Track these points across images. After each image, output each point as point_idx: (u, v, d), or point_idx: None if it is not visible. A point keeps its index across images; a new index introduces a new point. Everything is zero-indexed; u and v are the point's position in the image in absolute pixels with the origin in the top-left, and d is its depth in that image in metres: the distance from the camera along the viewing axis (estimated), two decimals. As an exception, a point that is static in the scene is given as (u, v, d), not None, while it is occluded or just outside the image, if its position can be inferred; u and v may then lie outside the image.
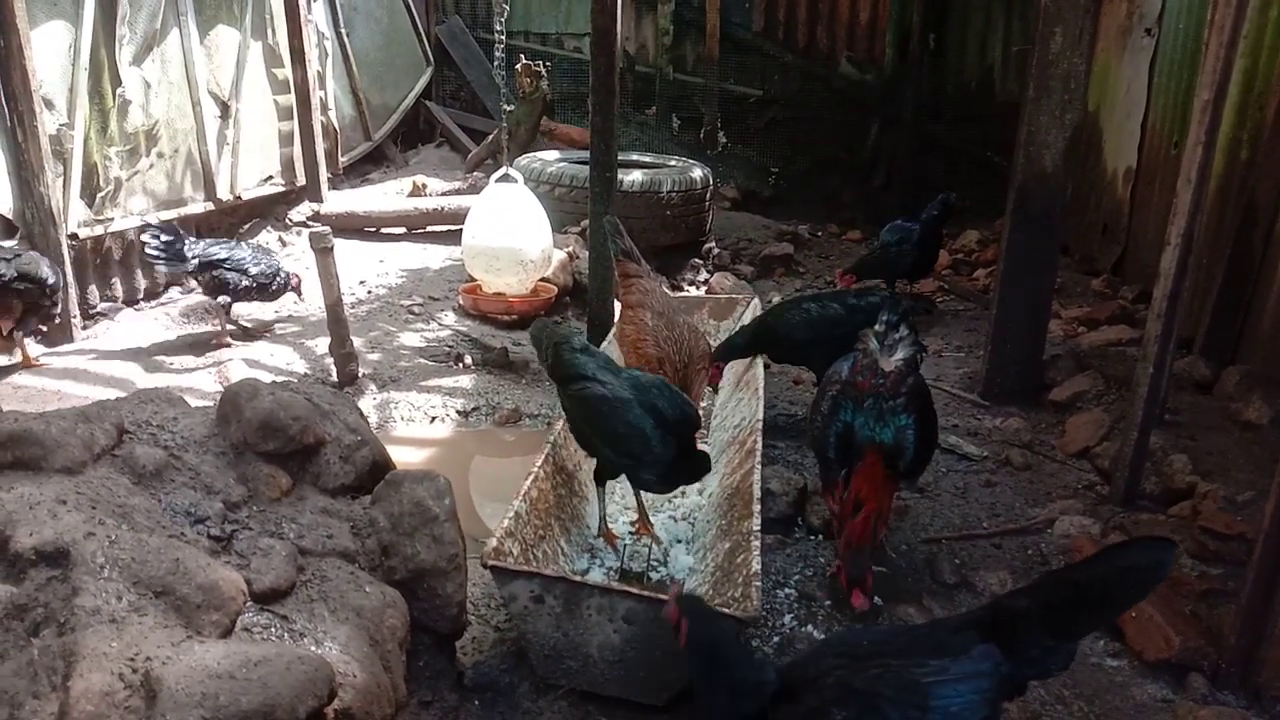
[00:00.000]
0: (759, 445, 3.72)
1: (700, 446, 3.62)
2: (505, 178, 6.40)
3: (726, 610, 2.61)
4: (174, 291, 6.58)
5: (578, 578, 2.85)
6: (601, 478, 3.57)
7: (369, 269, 7.30)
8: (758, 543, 2.98)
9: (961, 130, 10.84)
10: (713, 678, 2.28)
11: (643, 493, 3.69)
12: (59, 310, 5.31)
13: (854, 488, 3.23)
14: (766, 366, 4.96)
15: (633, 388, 3.39)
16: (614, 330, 5.00)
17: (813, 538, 3.91)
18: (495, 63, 6.46)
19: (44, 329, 5.36)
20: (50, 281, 5.10)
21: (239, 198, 7.57)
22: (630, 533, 3.77)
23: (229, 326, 5.84)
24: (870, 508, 3.17)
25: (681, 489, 3.81)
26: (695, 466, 3.43)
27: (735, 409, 4.67)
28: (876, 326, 3.51)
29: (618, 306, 5.03)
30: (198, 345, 5.69)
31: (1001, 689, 2.15)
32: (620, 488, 3.95)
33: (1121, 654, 3.21)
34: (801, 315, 4.69)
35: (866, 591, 3.14)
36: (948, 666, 2.10)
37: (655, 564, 3.58)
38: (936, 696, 2.07)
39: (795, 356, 4.85)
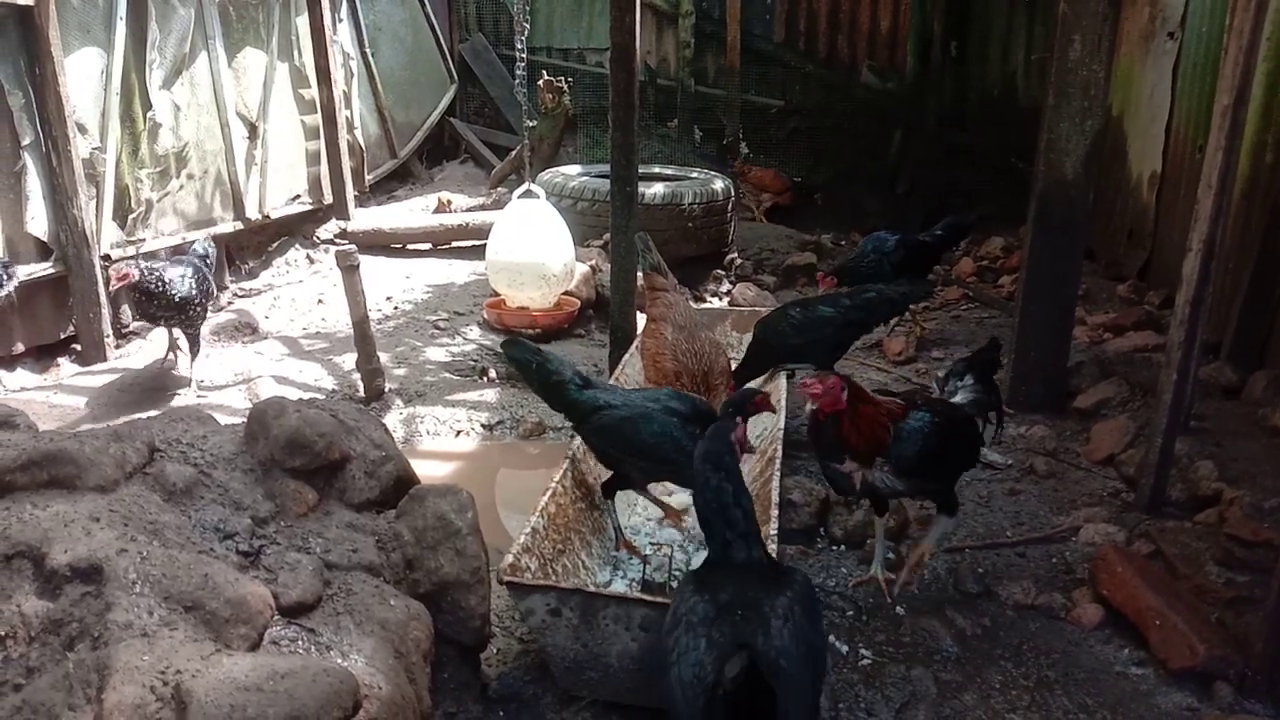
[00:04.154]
0: (779, 454, 3.74)
1: None
2: (528, 193, 6.47)
3: None
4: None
5: (592, 588, 2.87)
6: (610, 490, 3.63)
7: (395, 285, 7.40)
8: (774, 546, 3.00)
9: (985, 137, 10.78)
10: None
11: (653, 493, 3.76)
12: None
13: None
14: (790, 376, 4.97)
15: (646, 400, 3.52)
16: (637, 342, 5.04)
17: (835, 548, 3.92)
18: (517, 79, 6.54)
19: None
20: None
21: (267, 217, 7.71)
22: (650, 544, 3.79)
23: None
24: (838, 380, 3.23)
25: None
26: None
27: (757, 419, 4.68)
28: (939, 372, 3.52)
29: (643, 318, 5.08)
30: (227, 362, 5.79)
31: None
32: (640, 501, 3.97)
33: (1146, 662, 3.19)
34: (789, 323, 4.79)
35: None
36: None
37: (677, 574, 3.60)
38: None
39: (795, 359, 4.88)
